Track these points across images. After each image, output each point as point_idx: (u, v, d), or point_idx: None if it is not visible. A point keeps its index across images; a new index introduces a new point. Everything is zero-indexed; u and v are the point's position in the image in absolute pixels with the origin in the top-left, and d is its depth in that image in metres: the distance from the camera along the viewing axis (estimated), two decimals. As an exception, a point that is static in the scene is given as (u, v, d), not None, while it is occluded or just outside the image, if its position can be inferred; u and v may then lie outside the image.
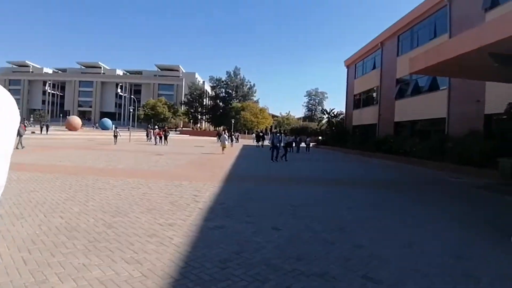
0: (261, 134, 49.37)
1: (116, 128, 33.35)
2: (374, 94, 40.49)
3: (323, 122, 59.35)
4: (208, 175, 12.78)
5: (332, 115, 51.58)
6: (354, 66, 47.31)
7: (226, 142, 28.20)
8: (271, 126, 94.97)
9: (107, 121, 70.56)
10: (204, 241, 5.15)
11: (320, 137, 54.89)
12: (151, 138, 32.30)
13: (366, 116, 41.36)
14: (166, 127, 34.84)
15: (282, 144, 22.28)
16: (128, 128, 62.96)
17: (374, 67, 40.69)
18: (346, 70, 50.54)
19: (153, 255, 4.51)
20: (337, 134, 46.18)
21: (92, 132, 55.53)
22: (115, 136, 31.65)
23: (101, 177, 10.98)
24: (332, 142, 45.52)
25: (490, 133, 20.51)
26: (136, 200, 7.82)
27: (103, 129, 67.81)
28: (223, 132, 36.21)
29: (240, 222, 6.27)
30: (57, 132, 50.02)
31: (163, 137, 32.25)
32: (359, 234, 5.88)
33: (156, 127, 33.14)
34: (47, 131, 50.19)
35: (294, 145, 31.45)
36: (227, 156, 23.96)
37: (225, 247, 4.93)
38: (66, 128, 56.64)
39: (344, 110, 51.39)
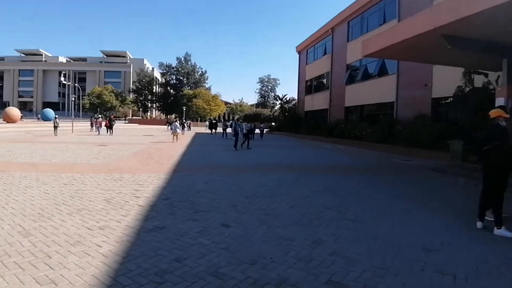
0: (214, 121, 48.85)
1: (56, 118, 30.66)
2: (325, 80, 40.77)
3: (276, 108, 59.33)
4: (154, 166, 11.80)
5: (285, 101, 51.53)
6: (305, 52, 47.31)
7: (178, 130, 27.37)
8: (224, 113, 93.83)
9: (49, 112, 65.82)
10: (140, 248, 4.33)
11: (273, 123, 54.93)
12: (96, 128, 30.15)
13: (318, 101, 41.61)
14: (111, 116, 32.40)
15: (244, 132, 21.65)
16: (73, 119, 59.46)
17: (325, 53, 40.86)
18: (297, 56, 50.48)
19: (74, 270, 3.64)
20: (290, 120, 46.22)
21: (33, 124, 51.45)
22: (55, 127, 29.66)
23: (31, 173, 9.66)
24: (286, 128, 45.52)
25: (437, 117, 21.13)
26: (66, 199, 6.77)
27: (45, 120, 63.22)
28: (175, 120, 34.74)
29: (185, 220, 5.50)
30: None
31: (107, 127, 30.30)
32: (318, 228, 5.33)
33: (100, 116, 30.41)
34: None
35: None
36: (178, 144, 22.88)
37: (165, 253, 4.15)
38: (3, 120, 52.10)
39: (296, 96, 51.55)
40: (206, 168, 11.77)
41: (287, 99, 52.06)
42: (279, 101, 52.46)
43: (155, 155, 15.40)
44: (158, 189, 7.84)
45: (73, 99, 35.83)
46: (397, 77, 26.29)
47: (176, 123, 28.68)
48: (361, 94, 31.36)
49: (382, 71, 28.77)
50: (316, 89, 43.67)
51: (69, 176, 9.45)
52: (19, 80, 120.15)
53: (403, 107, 25.53)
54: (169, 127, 30.01)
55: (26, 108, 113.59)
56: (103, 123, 30.60)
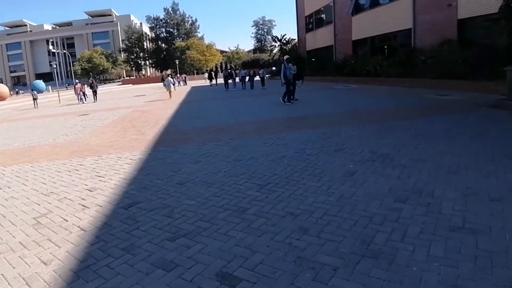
0: (213, 72, 46.22)
1: (33, 90, 27.74)
2: (328, 13, 36.63)
3: (275, 51, 55.14)
4: (132, 139, 9.11)
5: (284, 41, 47.45)
6: (302, -17, 42.58)
7: (172, 86, 25.67)
8: (221, 63, 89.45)
9: (39, 83, 62.51)
10: None
11: (274, 68, 51.35)
12: (77, 95, 26.64)
13: (321, 38, 37.82)
14: (92, 80, 28.83)
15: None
16: (66, 87, 56.61)
17: (324, -19, 36.37)
18: (293, -11, 45.71)
19: None
20: (293, 61, 42.54)
21: (23, 99, 48.62)
22: (34, 99, 27.29)
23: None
24: (288, 71, 42.07)
25: (466, 41, 17.90)
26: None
27: (37, 92, 59.93)
28: (168, 76, 31.80)
29: (152, 268, 2.88)
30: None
31: (87, 93, 26.99)
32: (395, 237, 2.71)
33: (77, 81, 27.04)
34: None
35: (247, 80, 27.97)
36: (170, 102, 20.23)
37: None
38: (-6, 98, 49.21)
39: (296, 36, 47.46)
40: (199, 134, 9.04)
41: (287, 39, 47.89)
42: (278, 43, 48.35)
43: (139, 121, 12.67)
44: (121, 185, 5.19)
45: (54, 66, 32.25)
46: (413, -1, 22.61)
47: (169, 79, 26.64)
48: (370, 24, 27.66)
49: (395, -6, 24.90)
50: (318, 25, 39.63)
51: (14, 170, 6.84)
52: (7, 55, 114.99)
53: (422, 33, 22.08)
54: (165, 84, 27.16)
55: (20, 83, 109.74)
56: (85, 89, 27.21)
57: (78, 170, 6.34)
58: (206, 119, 11.92)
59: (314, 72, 34.13)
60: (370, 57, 25.83)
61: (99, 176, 5.79)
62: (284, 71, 14.24)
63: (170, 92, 24.85)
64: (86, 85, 42.65)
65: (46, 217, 4.22)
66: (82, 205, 4.51)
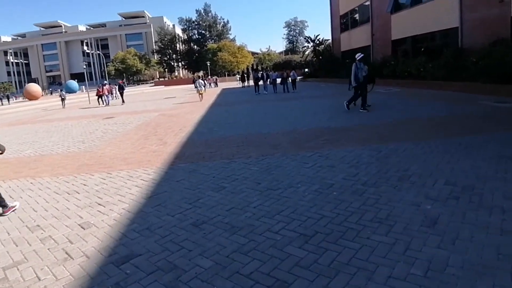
0: (245, 74, 45.25)
1: (61, 90, 27.66)
2: (364, 12, 34.79)
3: (307, 52, 53.41)
4: (151, 150, 8.03)
5: (318, 42, 45.73)
6: (337, -19, 40.88)
7: (202, 88, 25.06)
8: (252, 64, 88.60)
9: (72, 83, 63.72)
10: None
11: (306, 70, 49.73)
12: (105, 97, 25.85)
13: (357, 38, 36.03)
14: (120, 81, 28.11)
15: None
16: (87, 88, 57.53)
17: (361, -21, 34.62)
18: (327, -12, 44.05)
19: None
20: (326, 63, 40.93)
21: (56, 98, 49.88)
22: (63, 100, 27.33)
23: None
24: (322, 73, 40.38)
25: (522, 41, 15.97)
26: None
27: (69, 92, 61.27)
28: (199, 78, 31.09)
29: None
30: (17, 104, 44.78)
31: (114, 94, 26.31)
32: None
33: (106, 82, 26.41)
34: (8, 102, 49.59)
35: (280, 82, 26.56)
36: (200, 106, 19.29)
37: None
38: (25, 98, 50.62)
39: (330, 36, 45.68)
40: (226, 146, 7.82)
41: (320, 40, 46.11)
42: (311, 44, 46.62)
43: (163, 127, 11.65)
44: (122, 222, 4.03)
45: (84, 67, 32.20)
46: (460, -5, 20.65)
47: (200, 81, 26.08)
48: (411, 22, 25.76)
49: (440, -10, 22.93)
50: (353, 24, 37.83)
51: (11, 187, 5.94)
52: (43, 55, 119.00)
53: (470, 32, 20.10)
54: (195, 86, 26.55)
55: (55, 82, 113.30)
56: (113, 90, 26.63)
57: (79, 193, 5.27)
58: (235, 126, 10.73)
59: (349, 74, 32.33)
60: (413, 58, 23.99)
61: (99, 205, 4.68)
62: (355, 72, 12.04)
63: (200, 94, 24.38)
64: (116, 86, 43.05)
65: (16, 270, 3.13)
66: (66, 253, 3.39)
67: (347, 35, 39.01)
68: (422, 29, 24.65)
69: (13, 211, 4.71)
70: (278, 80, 26.56)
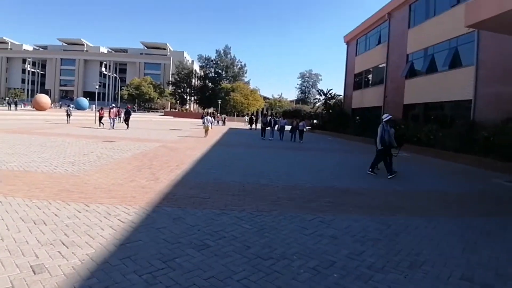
0: (254, 117, 45.28)
1: (69, 106, 27.61)
2: (379, 73, 35.18)
3: (318, 104, 53.88)
4: (140, 185, 7.42)
5: (329, 96, 46.10)
6: (355, 42, 41.81)
7: (210, 125, 24.71)
8: (262, 109, 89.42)
9: (83, 101, 64.12)
10: None
11: (315, 121, 49.83)
12: (111, 120, 25.34)
13: (369, 97, 36.23)
14: (128, 106, 27.72)
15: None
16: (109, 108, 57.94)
17: (379, 42, 35.38)
18: (345, 47, 44.96)
19: None
20: (336, 117, 40.96)
21: (61, 112, 50.09)
22: (68, 115, 27.21)
23: None
24: (330, 126, 40.28)
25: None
26: None
27: (78, 109, 61.67)
28: (208, 114, 30.98)
29: None
30: (24, 112, 44.95)
31: (121, 118, 25.84)
32: None
33: (113, 105, 26.10)
34: (16, 108, 50.40)
35: (289, 130, 26.28)
36: (203, 142, 18.95)
37: None
38: (33, 107, 50.91)
39: (342, 92, 46.13)
40: (220, 192, 7.20)
41: (332, 94, 46.53)
42: (323, 97, 47.02)
43: (160, 160, 11.09)
44: (77, 277, 3.34)
45: (96, 87, 32.31)
46: (476, 69, 20.72)
47: (208, 117, 25.57)
48: (425, 89, 25.82)
49: (455, 62, 23.13)
50: (367, 84, 38.23)
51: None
52: (61, 69, 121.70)
53: (483, 106, 19.94)
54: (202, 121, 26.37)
55: (67, 97, 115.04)
56: (122, 114, 26.31)
57: (46, 225, 4.64)
58: (235, 170, 10.13)
59: (358, 131, 32.15)
60: (424, 125, 23.72)
61: (63, 244, 4.03)
62: (382, 135, 11.09)
63: (206, 130, 24.14)
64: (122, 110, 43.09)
65: None
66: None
67: (359, 93, 39.30)
68: (435, 97, 24.62)
69: None
70: (287, 128, 26.16)
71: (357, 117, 36.58)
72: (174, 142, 18.01)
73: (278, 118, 28.17)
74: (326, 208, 6.44)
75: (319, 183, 8.93)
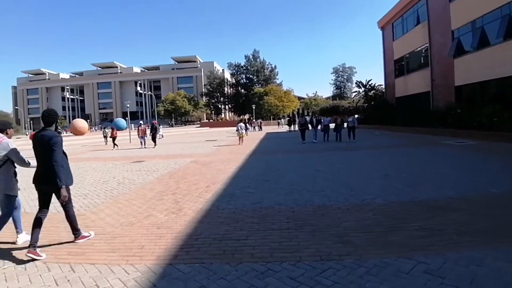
0: (292, 118, 43.29)
1: (105, 128, 26.79)
2: (423, 55, 32.10)
3: (355, 97, 50.77)
4: (157, 222, 5.63)
5: (370, 87, 43.06)
6: (391, 26, 38.87)
7: (244, 132, 23.93)
8: (298, 109, 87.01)
9: (120, 121, 64.61)
10: None
11: (356, 116, 46.93)
12: (141, 139, 23.65)
13: (414, 83, 33.25)
14: (154, 121, 26.02)
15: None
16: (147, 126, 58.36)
17: (418, 22, 32.47)
18: (381, 33, 41.94)
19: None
20: (379, 109, 38.01)
21: (100, 135, 50.70)
22: (105, 137, 26.49)
23: None
24: (374, 119, 37.34)
25: None
26: None
27: (117, 129, 62.02)
28: (240, 121, 29.39)
29: None
30: (64, 138, 45.55)
31: (146, 136, 24.03)
32: None
33: (141, 122, 24.54)
34: None
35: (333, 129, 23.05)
36: (239, 151, 17.47)
37: None
38: (71, 133, 51.59)
39: (382, 82, 42.98)
40: (260, 227, 5.24)
41: (372, 85, 43.42)
42: (362, 88, 44.00)
43: (188, 181, 9.33)
44: None
45: (128, 105, 31.66)
46: (540, 34, 17.65)
47: (241, 124, 24.43)
48: (478, 67, 22.82)
49: (511, 31, 19.95)
50: (409, 69, 35.13)
51: None
52: (98, 93, 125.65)
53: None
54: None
55: (107, 119, 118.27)
56: (147, 131, 24.53)
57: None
58: (277, 188, 8.04)
59: (408, 122, 29.26)
60: (483, 106, 20.71)
61: None
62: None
63: (240, 137, 23.43)
64: (161, 127, 42.23)
65: None
66: None
67: (402, 80, 36.30)
68: (492, 74, 21.54)
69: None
70: (331, 126, 23.36)
71: (406, 107, 33.54)
72: (207, 156, 16.33)
73: (317, 117, 24.93)
74: (421, 240, 4.31)
75: (393, 196, 6.69)
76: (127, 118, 33.29)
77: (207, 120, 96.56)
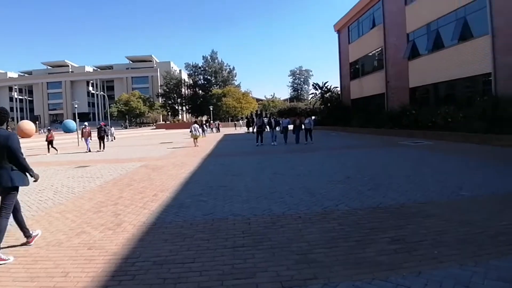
0: (251, 119, 42.57)
1: (49, 129, 24.32)
2: (378, 58, 32.74)
3: (311, 99, 51.18)
4: (88, 243, 4.67)
5: (326, 89, 43.46)
6: (346, 29, 39.51)
7: (197, 133, 23.14)
8: (256, 111, 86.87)
9: (70, 123, 60.66)
10: None
11: (313, 117, 47.23)
12: (86, 142, 21.69)
13: (369, 86, 33.87)
14: (102, 123, 23.83)
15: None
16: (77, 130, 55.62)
17: (373, 25, 33.13)
18: (337, 36, 42.50)
19: None
20: (335, 111, 38.47)
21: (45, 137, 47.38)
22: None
23: None
24: (330, 121, 37.72)
25: None
26: None
27: (66, 132, 58.66)
28: (194, 122, 28.31)
29: None
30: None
31: (91, 139, 21.87)
32: None
33: (86, 124, 22.34)
34: None
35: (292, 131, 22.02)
36: (194, 154, 16.60)
37: None
38: (19, 135, 47.84)
39: (338, 84, 43.45)
40: (211, 245, 4.51)
41: (328, 87, 43.85)
42: (319, 91, 44.32)
43: (134, 189, 8.37)
44: None
45: (76, 106, 29.57)
46: (492, 38, 18.37)
47: (195, 125, 23.62)
48: (432, 69, 23.50)
49: (465, 34, 20.75)
50: (365, 71, 35.78)
51: None
52: (48, 93, 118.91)
53: (506, 79, 17.51)
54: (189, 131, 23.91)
55: (57, 121, 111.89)
56: (109, 131, 22.43)
57: None
58: (233, 195, 7.36)
59: (362, 123, 29.66)
60: (437, 107, 21.27)
61: None
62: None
63: (195, 138, 22.97)
64: (113, 128, 40.07)
65: None
66: None
67: (357, 83, 36.94)
68: (445, 75, 22.23)
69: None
70: (290, 127, 22.51)
71: (361, 109, 34.00)
72: (159, 159, 15.31)
73: (275, 118, 23.41)
74: (396, 255, 3.77)
75: (357, 202, 6.19)
76: (77, 119, 31.00)
77: (163, 122, 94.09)
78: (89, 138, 21.61)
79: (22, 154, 4.49)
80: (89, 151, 20.89)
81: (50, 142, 21.41)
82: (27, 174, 4.61)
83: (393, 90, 29.00)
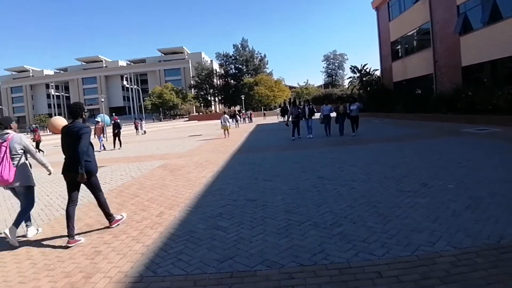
0: (285, 107, 39.99)
1: (34, 128, 22.65)
2: (423, 35, 29.39)
3: (352, 83, 47.83)
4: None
5: (365, 72, 40.26)
6: (386, 5, 36.11)
7: (228, 124, 22.37)
8: (290, 99, 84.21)
9: (103, 117, 61.43)
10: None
11: (357, 103, 44.01)
12: (99, 140, 19.50)
13: (414, 66, 30.62)
14: (115, 118, 21.31)
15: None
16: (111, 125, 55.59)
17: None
18: (374, 16, 39.20)
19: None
20: (376, 95, 35.32)
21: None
22: None
23: None
24: (371, 107, 34.51)
25: None
26: None
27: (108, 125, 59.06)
28: (224, 112, 26.43)
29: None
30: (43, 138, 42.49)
31: (104, 135, 19.76)
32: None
33: (98, 119, 19.64)
34: (32, 134, 47.33)
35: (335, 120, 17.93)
36: (222, 148, 14.85)
37: None
38: (51, 131, 48.44)
39: (377, 67, 40.20)
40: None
41: (368, 70, 40.62)
42: (357, 74, 41.19)
43: (137, 204, 6.43)
44: None
45: (102, 99, 28.69)
46: None
47: (226, 116, 22.32)
48: (489, 44, 20.31)
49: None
50: (408, 51, 32.44)
51: None
52: (83, 89, 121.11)
53: None
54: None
55: (93, 115, 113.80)
56: (139, 126, 20.52)
57: None
58: (263, 218, 5.17)
59: (410, 108, 26.66)
60: (498, 87, 18.21)
61: None
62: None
63: (225, 130, 22.04)
64: (140, 122, 39.02)
65: None
66: None
67: (400, 64, 33.63)
68: (505, 51, 18.92)
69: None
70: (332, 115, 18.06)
71: (406, 92, 30.87)
72: (182, 156, 13.48)
73: (310, 105, 18.39)
74: None
75: (462, 236, 3.83)
76: (114, 114, 30.14)
77: (197, 114, 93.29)
78: (101, 135, 19.81)
79: (85, 147, 4.69)
80: (104, 149, 19.34)
81: (37, 143, 20.04)
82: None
83: (443, 69, 25.84)
